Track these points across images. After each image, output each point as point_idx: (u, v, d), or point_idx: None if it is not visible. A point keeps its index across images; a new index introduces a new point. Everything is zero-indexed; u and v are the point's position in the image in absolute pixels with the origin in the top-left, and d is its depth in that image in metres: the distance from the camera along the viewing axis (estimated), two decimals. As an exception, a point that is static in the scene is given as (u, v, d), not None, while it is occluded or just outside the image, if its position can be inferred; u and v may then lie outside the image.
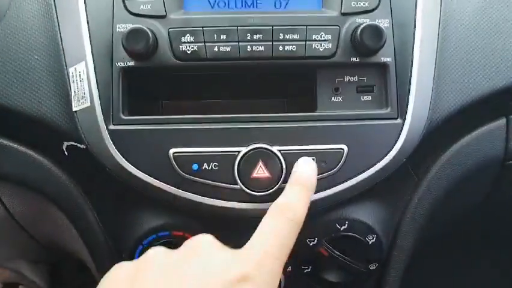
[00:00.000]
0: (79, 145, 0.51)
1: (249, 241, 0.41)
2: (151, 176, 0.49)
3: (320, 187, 0.49)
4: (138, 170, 0.49)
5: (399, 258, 0.57)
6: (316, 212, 0.52)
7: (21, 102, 0.50)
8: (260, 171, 0.48)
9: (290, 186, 0.45)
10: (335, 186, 0.50)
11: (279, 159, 0.48)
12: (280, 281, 0.52)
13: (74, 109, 0.49)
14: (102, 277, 0.55)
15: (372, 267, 0.55)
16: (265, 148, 0.48)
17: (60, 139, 0.52)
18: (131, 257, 0.52)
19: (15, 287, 1.05)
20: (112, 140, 0.49)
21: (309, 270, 0.55)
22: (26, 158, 0.53)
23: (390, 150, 0.51)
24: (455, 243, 0.89)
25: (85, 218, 0.54)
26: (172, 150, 0.48)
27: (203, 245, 0.41)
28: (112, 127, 0.49)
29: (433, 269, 0.95)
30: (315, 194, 0.49)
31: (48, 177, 0.53)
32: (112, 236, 0.54)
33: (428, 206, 0.57)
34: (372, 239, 0.54)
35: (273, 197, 0.49)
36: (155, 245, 0.51)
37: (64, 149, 0.52)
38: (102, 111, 0.49)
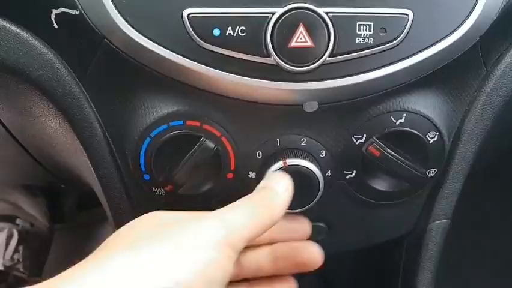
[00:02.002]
0: (70, 11, 0.40)
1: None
2: (159, 45, 0.38)
3: (375, 63, 0.39)
4: (143, 37, 0.38)
5: (460, 167, 0.47)
6: (367, 100, 0.42)
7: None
8: (300, 39, 0.37)
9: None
10: (394, 63, 0.39)
11: (326, 24, 0.37)
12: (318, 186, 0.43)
13: None
14: (106, 191, 0.48)
15: (431, 173, 0.45)
16: (308, 9, 0.37)
17: (48, 6, 0.41)
18: (136, 154, 0.43)
19: (13, 220, 0.98)
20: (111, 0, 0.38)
21: (352, 175, 0.45)
22: (7, 35, 0.42)
23: (464, 22, 0.40)
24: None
25: (81, 111, 0.44)
26: (187, 11, 0.37)
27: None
28: None
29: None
30: (368, 72, 0.39)
31: (35, 60, 0.43)
32: (113, 131, 0.44)
33: (496, 104, 0.46)
34: (434, 137, 0.43)
35: (315, 75, 0.38)
36: (165, 138, 0.42)
37: (53, 20, 0.42)
38: None
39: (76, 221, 1.10)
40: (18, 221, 0.97)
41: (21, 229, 0.96)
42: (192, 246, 0.33)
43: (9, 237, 0.94)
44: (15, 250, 0.93)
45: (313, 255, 0.43)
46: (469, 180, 0.50)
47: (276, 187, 0.40)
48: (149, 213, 0.40)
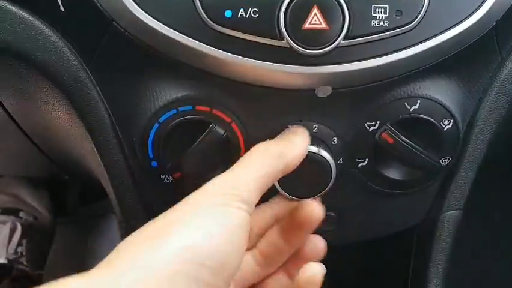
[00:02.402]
0: None
1: None
2: (169, 27, 0.37)
3: (391, 47, 0.38)
4: (152, 18, 0.37)
5: (473, 156, 0.46)
6: (381, 85, 0.41)
7: None
8: (315, 21, 0.36)
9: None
10: (409, 47, 0.38)
11: (341, 6, 0.36)
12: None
13: None
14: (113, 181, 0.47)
15: (444, 162, 0.44)
16: (322, -11, 0.36)
17: None
18: (144, 140, 0.42)
19: (16, 213, 0.97)
20: None
21: (364, 163, 0.44)
22: (13, 18, 0.41)
23: (481, 6, 0.39)
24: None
25: (87, 97, 0.43)
26: (197, -8, 0.36)
27: None
28: None
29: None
30: (383, 56, 0.38)
31: (42, 44, 0.42)
32: (120, 116, 0.43)
33: (511, 92, 0.45)
34: (449, 124, 0.42)
35: (329, 59, 0.37)
36: (174, 124, 0.41)
37: (60, 3, 0.41)
38: None
39: (79, 214, 1.09)
40: (21, 214, 0.97)
41: (24, 222, 0.95)
42: (202, 204, 0.33)
43: (13, 230, 0.93)
44: (19, 243, 0.93)
45: (311, 211, 0.40)
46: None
47: (293, 137, 0.40)
48: None
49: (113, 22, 0.39)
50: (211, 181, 0.35)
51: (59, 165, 0.69)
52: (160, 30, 0.37)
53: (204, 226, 0.32)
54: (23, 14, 0.41)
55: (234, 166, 0.37)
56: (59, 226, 1.02)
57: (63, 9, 0.41)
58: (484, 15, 0.39)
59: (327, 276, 0.38)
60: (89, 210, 1.07)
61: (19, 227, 0.94)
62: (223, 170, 0.43)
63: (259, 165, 0.36)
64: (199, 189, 0.35)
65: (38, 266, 0.94)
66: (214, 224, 0.32)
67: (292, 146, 0.39)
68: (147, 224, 0.33)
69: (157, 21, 0.37)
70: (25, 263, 0.91)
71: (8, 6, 0.41)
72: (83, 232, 1.04)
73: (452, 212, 0.48)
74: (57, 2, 0.41)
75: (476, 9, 0.39)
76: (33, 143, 0.62)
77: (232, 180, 0.35)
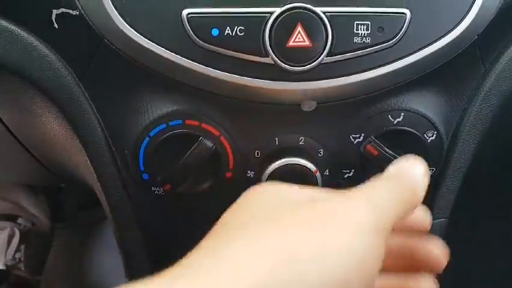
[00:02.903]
0: (70, 12, 0.41)
1: None
2: (158, 45, 0.38)
3: (373, 63, 0.39)
4: (142, 37, 0.38)
5: (458, 166, 0.47)
6: (365, 99, 0.42)
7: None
8: (299, 39, 0.37)
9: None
10: (391, 62, 0.39)
11: (324, 24, 0.37)
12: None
13: None
14: (107, 194, 0.47)
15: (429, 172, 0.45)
16: (306, 8, 0.37)
17: (48, 7, 0.41)
18: (135, 154, 0.43)
19: (14, 219, 0.98)
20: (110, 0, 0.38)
21: (351, 174, 0.45)
22: (9, 36, 0.42)
23: (462, 21, 0.40)
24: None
25: (81, 111, 0.44)
26: (186, 11, 0.37)
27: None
28: None
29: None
30: (365, 72, 0.39)
31: (36, 61, 0.43)
32: (112, 130, 0.44)
33: (495, 103, 0.46)
34: (432, 136, 0.44)
35: (313, 75, 0.39)
36: (164, 138, 0.42)
37: (53, 20, 0.42)
38: None
39: (77, 220, 1.10)
40: (20, 220, 0.98)
41: (22, 228, 0.97)
42: (341, 233, 0.26)
43: (11, 236, 0.94)
44: (17, 249, 0.94)
45: (433, 253, 0.35)
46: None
47: (414, 170, 0.34)
48: (264, 185, 0.32)
49: (105, 40, 0.40)
50: (352, 203, 0.29)
51: (56, 174, 0.71)
52: (149, 48, 0.39)
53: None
54: (18, 31, 0.42)
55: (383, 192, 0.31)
56: (57, 232, 1.03)
57: (56, 27, 0.42)
58: (465, 29, 0.40)
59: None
60: (87, 216, 1.08)
61: (17, 233, 0.95)
62: (213, 182, 0.44)
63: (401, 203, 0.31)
64: (335, 206, 0.28)
65: (36, 272, 0.95)
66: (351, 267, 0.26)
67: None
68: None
69: (146, 40, 0.38)
70: (23, 268, 0.92)
71: (3, 23, 0.42)
72: (81, 238, 1.05)
73: (438, 220, 0.49)
74: (51, 20, 0.42)
75: (457, 24, 0.40)
76: (30, 153, 0.63)
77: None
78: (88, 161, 0.47)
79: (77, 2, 0.39)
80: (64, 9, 0.41)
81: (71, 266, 1.02)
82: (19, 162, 0.70)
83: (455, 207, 0.49)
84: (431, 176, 0.45)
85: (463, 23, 0.40)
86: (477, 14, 0.40)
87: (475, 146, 0.47)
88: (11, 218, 0.98)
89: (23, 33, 0.42)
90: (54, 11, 0.41)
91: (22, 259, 0.93)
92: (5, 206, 0.99)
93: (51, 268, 0.98)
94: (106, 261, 1.05)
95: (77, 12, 0.40)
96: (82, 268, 1.00)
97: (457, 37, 0.40)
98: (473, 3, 0.40)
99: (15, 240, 0.94)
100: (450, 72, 0.44)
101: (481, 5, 0.40)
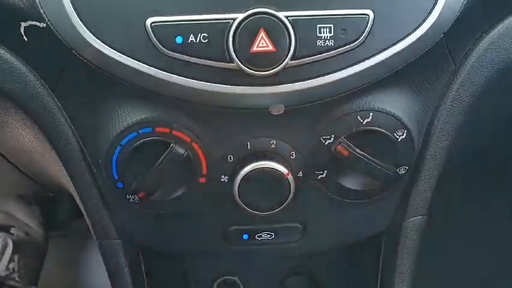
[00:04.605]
0: (38, 24, 0.41)
1: None
2: (124, 54, 0.38)
3: (338, 65, 0.39)
4: (107, 47, 0.38)
5: (433, 164, 0.48)
6: (333, 101, 0.42)
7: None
8: (262, 44, 0.38)
9: None
10: (356, 63, 0.39)
11: (287, 28, 0.38)
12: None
13: None
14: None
15: (402, 171, 0.45)
16: (268, 13, 0.37)
17: (17, 20, 0.42)
18: (108, 162, 0.43)
19: (7, 229, 0.98)
20: (75, 11, 0.38)
21: (323, 175, 0.45)
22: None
23: (425, 20, 0.40)
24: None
25: (55, 122, 0.44)
26: (150, 20, 0.38)
27: None
28: None
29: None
30: (331, 74, 0.40)
31: (8, 74, 0.43)
32: (86, 140, 0.45)
33: (466, 99, 0.46)
34: (402, 135, 0.44)
35: (278, 79, 0.39)
36: (135, 146, 0.43)
37: (23, 33, 0.43)
38: None
39: (71, 228, 1.10)
40: (12, 230, 0.98)
41: (16, 238, 0.97)
42: None
43: (4, 246, 0.94)
44: (11, 259, 0.94)
45: None
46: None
47: None
48: None
49: (73, 51, 0.40)
50: None
51: (40, 183, 0.71)
52: (115, 58, 0.39)
53: None
54: None
55: None
56: (52, 241, 1.03)
57: (26, 39, 0.42)
58: (430, 28, 0.40)
59: (304, 284, 0.40)
60: (81, 224, 1.09)
61: (10, 243, 0.95)
62: (187, 188, 0.44)
63: None
64: None
65: (30, 282, 0.95)
66: None
67: None
68: None
69: (112, 50, 0.39)
70: (17, 279, 0.93)
71: None
72: (76, 246, 1.05)
73: (415, 218, 0.50)
74: (21, 32, 0.42)
75: (421, 24, 0.40)
76: (13, 164, 0.63)
77: None
78: (65, 171, 0.47)
79: (44, 14, 0.40)
80: (31, 22, 0.41)
81: (66, 275, 1.02)
82: (5, 173, 0.70)
83: (431, 205, 0.50)
84: (405, 175, 0.46)
85: (427, 21, 0.40)
86: (441, 13, 0.40)
87: (449, 143, 0.48)
88: (4, 228, 0.98)
89: None
90: (23, 24, 0.41)
91: (16, 269, 0.93)
92: (-3, 217, 0.99)
93: (46, 277, 0.98)
94: (101, 269, 1.05)
95: (45, 25, 0.40)
96: (77, 277, 1.01)
97: (422, 36, 0.40)
98: (436, 2, 0.40)
99: (9, 250, 0.94)
100: (419, 71, 0.44)
101: (444, 4, 0.40)
